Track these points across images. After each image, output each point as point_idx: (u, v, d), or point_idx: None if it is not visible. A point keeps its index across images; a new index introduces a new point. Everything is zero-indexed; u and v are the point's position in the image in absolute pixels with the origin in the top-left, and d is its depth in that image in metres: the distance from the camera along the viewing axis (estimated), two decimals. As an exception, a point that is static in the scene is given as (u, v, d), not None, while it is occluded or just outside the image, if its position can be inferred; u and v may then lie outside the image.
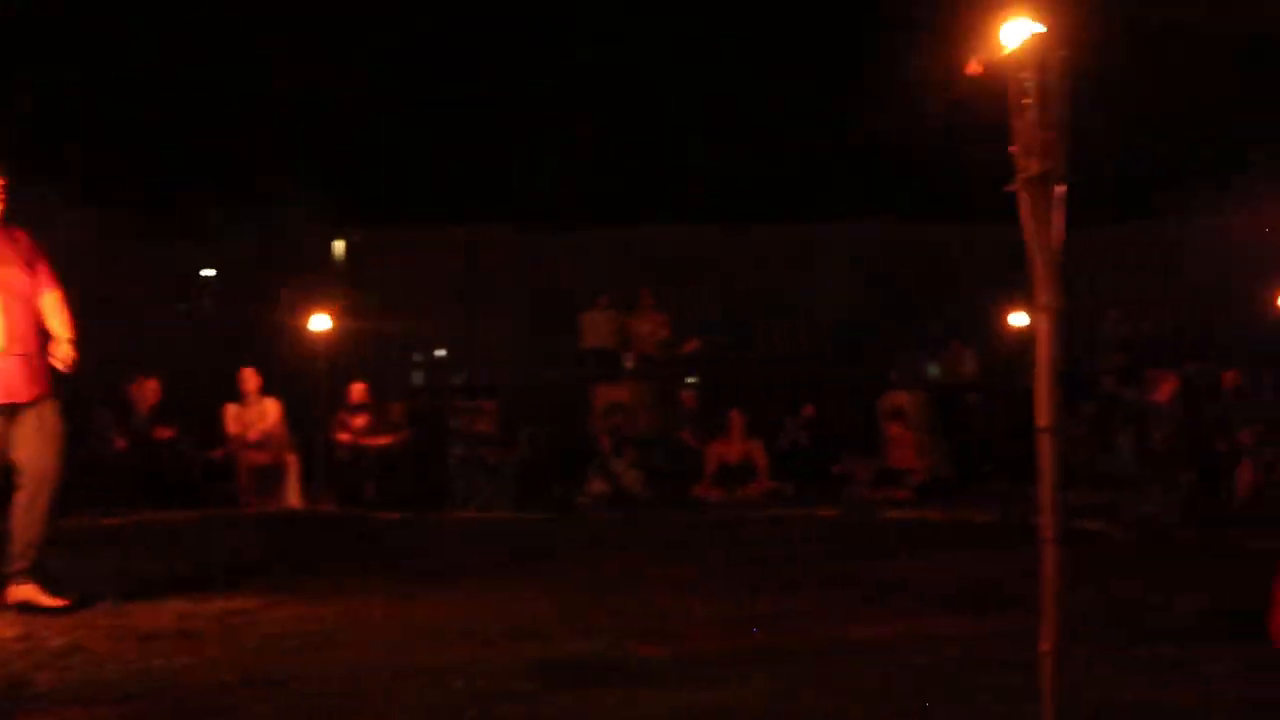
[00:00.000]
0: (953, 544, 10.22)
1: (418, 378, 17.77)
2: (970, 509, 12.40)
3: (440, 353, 16.55)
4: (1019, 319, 15.05)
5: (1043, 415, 3.74)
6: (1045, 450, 3.71)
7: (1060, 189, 3.72)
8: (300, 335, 14.84)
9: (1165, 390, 13.45)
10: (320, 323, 14.55)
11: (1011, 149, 3.73)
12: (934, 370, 15.76)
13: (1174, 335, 15.80)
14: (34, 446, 6.99)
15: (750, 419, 14.46)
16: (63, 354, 7.08)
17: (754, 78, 17.01)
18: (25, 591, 6.97)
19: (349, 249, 16.45)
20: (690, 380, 15.71)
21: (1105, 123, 16.14)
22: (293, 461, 14.00)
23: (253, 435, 13.97)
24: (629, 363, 16.04)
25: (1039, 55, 3.65)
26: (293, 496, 13.93)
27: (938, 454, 14.56)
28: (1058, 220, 3.74)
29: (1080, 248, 16.99)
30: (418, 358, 17.06)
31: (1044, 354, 3.74)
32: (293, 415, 14.31)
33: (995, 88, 3.78)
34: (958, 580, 8.11)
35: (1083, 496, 12.87)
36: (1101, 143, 16.08)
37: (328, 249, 16.65)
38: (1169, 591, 7.55)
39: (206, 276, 32.93)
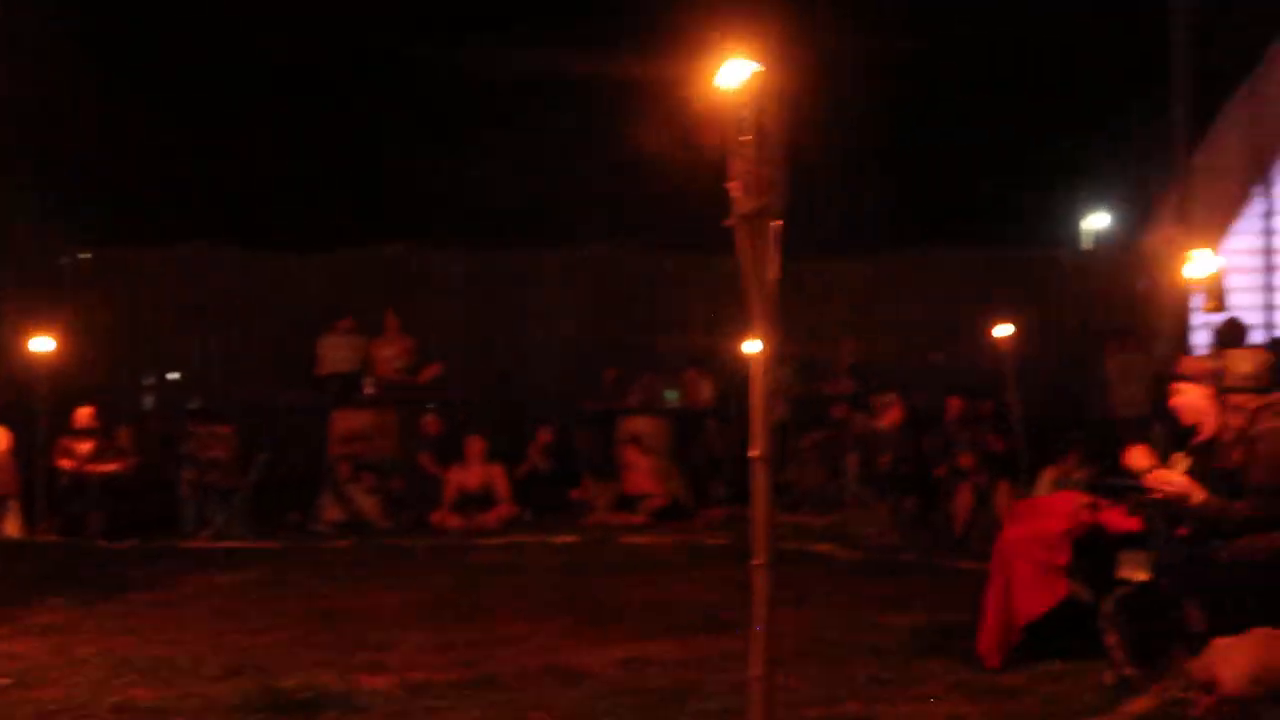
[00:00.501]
0: (683, 568, 10.42)
1: (149, 401, 17.25)
2: (703, 533, 12.64)
3: (173, 376, 16.14)
4: (752, 346, 15.46)
5: (757, 445, 3.81)
6: (759, 479, 3.79)
7: (776, 225, 3.79)
8: (20, 357, 14.15)
9: (890, 416, 13.95)
10: (42, 344, 13.92)
11: (729, 185, 3.79)
12: (672, 396, 15.98)
13: (901, 363, 16.32)
14: None
15: (491, 445, 14.44)
16: None
17: (492, 98, 17.15)
18: None
19: (76, 268, 15.89)
20: (431, 406, 15.56)
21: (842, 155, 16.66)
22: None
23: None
24: (369, 388, 15.80)
25: (757, 94, 3.72)
26: (10, 526, 13.27)
27: (675, 479, 14.78)
28: (774, 255, 3.81)
29: (818, 277, 17.45)
30: (148, 380, 16.57)
31: (758, 387, 3.82)
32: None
33: (717, 123, 3.84)
34: (684, 604, 8.26)
35: (812, 520, 13.32)
36: (836, 177, 16.59)
37: (54, 267, 16.03)
38: (887, 612, 7.83)
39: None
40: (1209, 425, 6.25)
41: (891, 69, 16.98)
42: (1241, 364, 6.19)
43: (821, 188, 17.47)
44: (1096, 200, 23.07)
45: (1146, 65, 16.85)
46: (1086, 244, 23.47)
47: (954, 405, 13.79)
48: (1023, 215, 18.54)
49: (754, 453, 3.83)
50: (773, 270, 3.79)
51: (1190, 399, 6.38)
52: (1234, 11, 18.17)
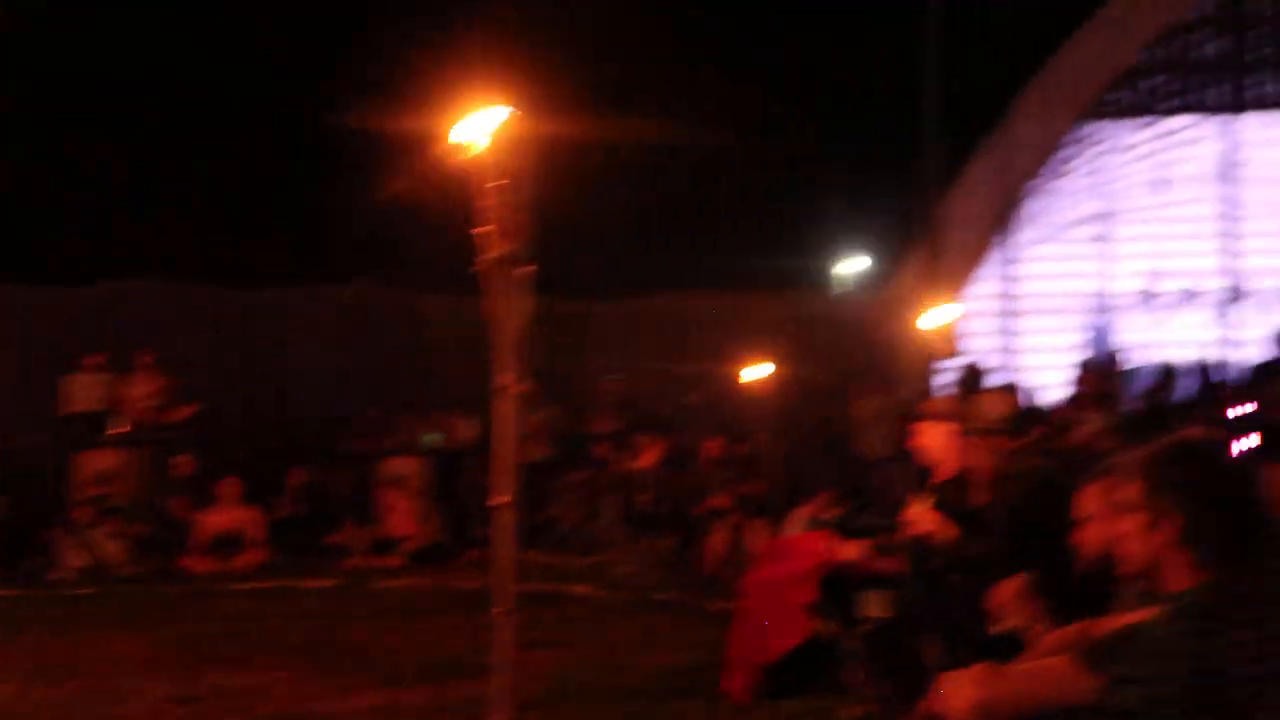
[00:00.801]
0: (441, 612, 10.27)
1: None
2: (463, 576, 12.50)
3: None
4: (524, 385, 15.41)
5: (501, 491, 3.80)
6: (502, 526, 3.77)
7: (524, 270, 3.80)
8: None
9: (650, 457, 14.09)
10: None
11: (478, 230, 3.78)
12: (433, 437, 15.82)
13: (660, 403, 16.47)
14: None
15: (246, 487, 14.04)
16: None
17: (235, 140, 16.78)
18: None
19: None
20: (184, 446, 15.04)
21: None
22: None
23: None
24: (116, 427, 15.20)
25: (509, 141, 3.72)
26: None
27: (435, 521, 14.62)
28: (521, 301, 3.81)
29: (581, 318, 17.51)
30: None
31: (504, 432, 3.81)
32: None
33: (469, 168, 3.82)
34: (438, 649, 8.17)
35: (571, 560, 13.34)
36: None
37: None
38: (642, 652, 7.88)
39: None
40: (948, 465, 6.42)
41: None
42: (994, 407, 6.44)
43: (589, 230, 17.55)
44: (852, 245, 23.76)
45: (899, 115, 17.36)
46: (841, 288, 24.15)
47: (711, 446, 13.98)
48: (780, 258, 18.87)
49: (499, 499, 3.81)
50: (521, 314, 3.79)
51: (931, 440, 6.55)
52: (982, 65, 19.19)
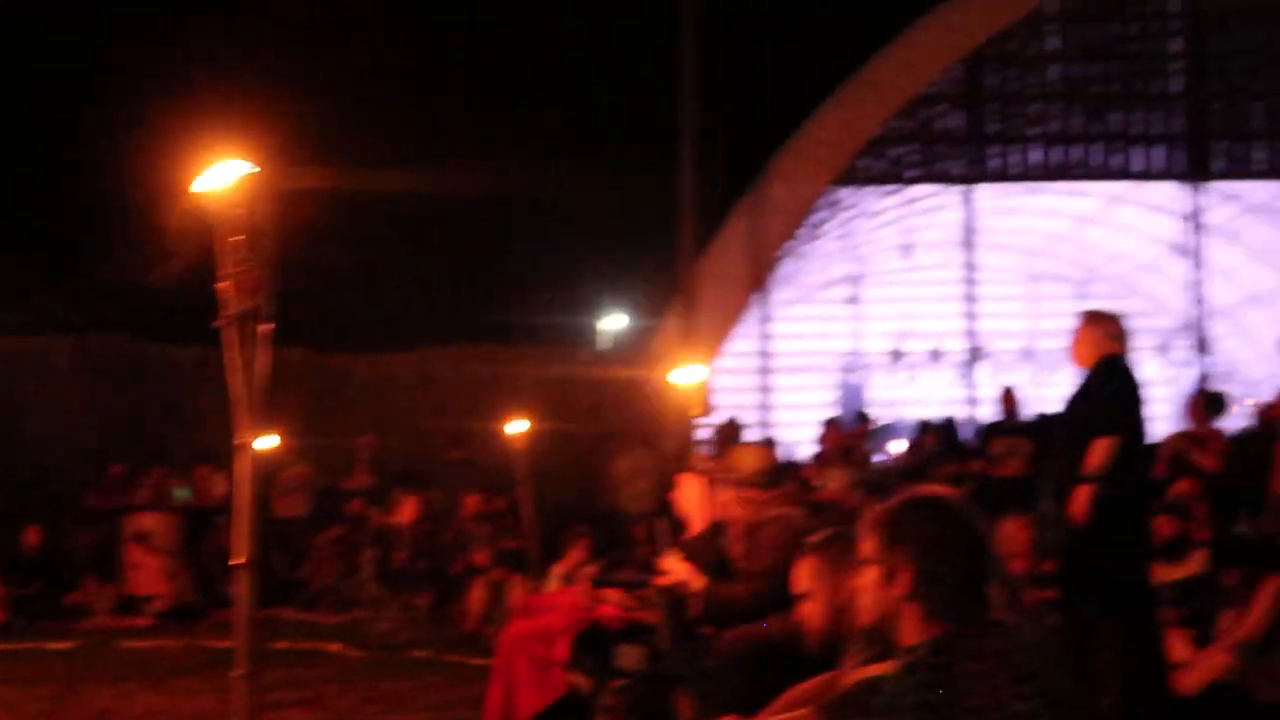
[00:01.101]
0: (188, 671, 9.95)
1: None
2: (211, 635, 12.12)
3: None
4: (267, 442, 15.01)
5: (240, 551, 3.71)
6: (243, 587, 3.69)
7: (265, 327, 3.74)
8: None
9: (407, 512, 13.93)
10: None
11: (218, 286, 3.71)
12: (182, 493, 15.32)
13: (418, 458, 16.28)
14: None
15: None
16: None
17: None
18: None
19: None
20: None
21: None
22: None
23: None
24: None
25: (249, 195, 3.67)
26: None
27: (184, 579, 14.16)
28: (262, 357, 3.74)
29: (339, 371, 17.27)
30: None
31: (244, 492, 3.73)
32: None
33: (210, 223, 3.75)
34: (184, 712, 7.91)
35: (326, 618, 13.10)
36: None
37: None
38: (395, 711, 7.77)
39: None
40: (702, 519, 6.55)
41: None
42: (750, 461, 6.56)
43: (348, 284, 17.34)
44: (613, 302, 24.06)
45: (659, 174, 17.63)
46: (603, 344, 24.41)
47: (470, 501, 13.89)
48: (542, 313, 18.98)
49: (239, 559, 3.73)
50: (262, 371, 3.73)
51: (687, 494, 6.72)
52: (738, 128, 19.57)
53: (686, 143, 16.74)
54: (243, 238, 3.61)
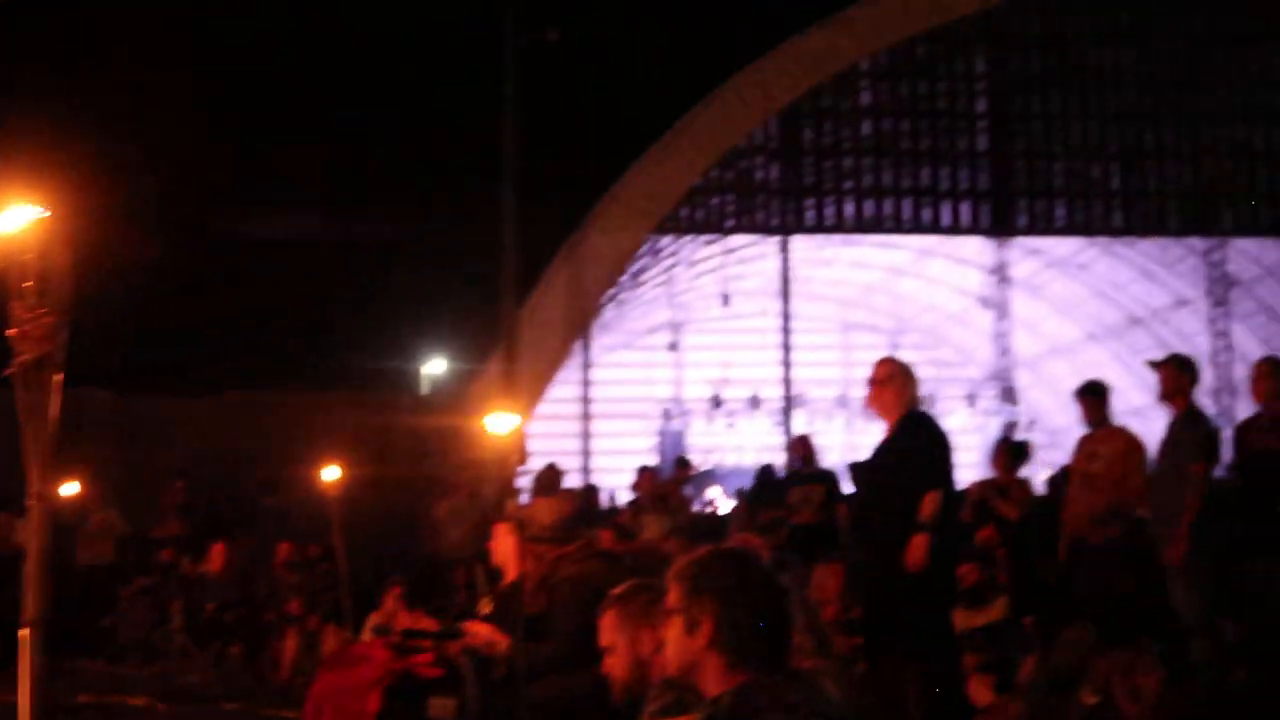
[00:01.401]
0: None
1: None
2: (10, 688, 11.50)
3: None
4: (68, 489, 14.49)
5: (31, 606, 3.57)
6: (31, 642, 3.54)
7: (57, 376, 3.61)
8: None
9: (217, 560, 13.55)
10: None
11: (9, 333, 3.58)
12: (-21, 540, 14.63)
13: (231, 505, 15.85)
14: None
15: None
16: None
17: None
18: None
19: None
20: None
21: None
22: None
23: None
24: None
25: (41, 240, 3.55)
26: None
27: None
28: (55, 406, 3.61)
29: (147, 415, 16.80)
30: None
31: (35, 546, 3.59)
32: None
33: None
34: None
35: (134, 671, 12.66)
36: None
37: None
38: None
39: None
40: (513, 570, 6.50)
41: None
42: (543, 514, 6.53)
43: (158, 326, 16.91)
44: (435, 346, 23.88)
45: (482, 221, 17.56)
46: (424, 389, 24.20)
47: (283, 549, 13.56)
48: (360, 357, 18.74)
49: (28, 614, 3.58)
50: (53, 420, 3.60)
51: (499, 544, 6.67)
52: (560, 173, 19.54)
53: (508, 190, 16.67)
54: (30, 286, 3.48)
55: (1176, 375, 8.33)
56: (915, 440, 7.01)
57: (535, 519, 6.51)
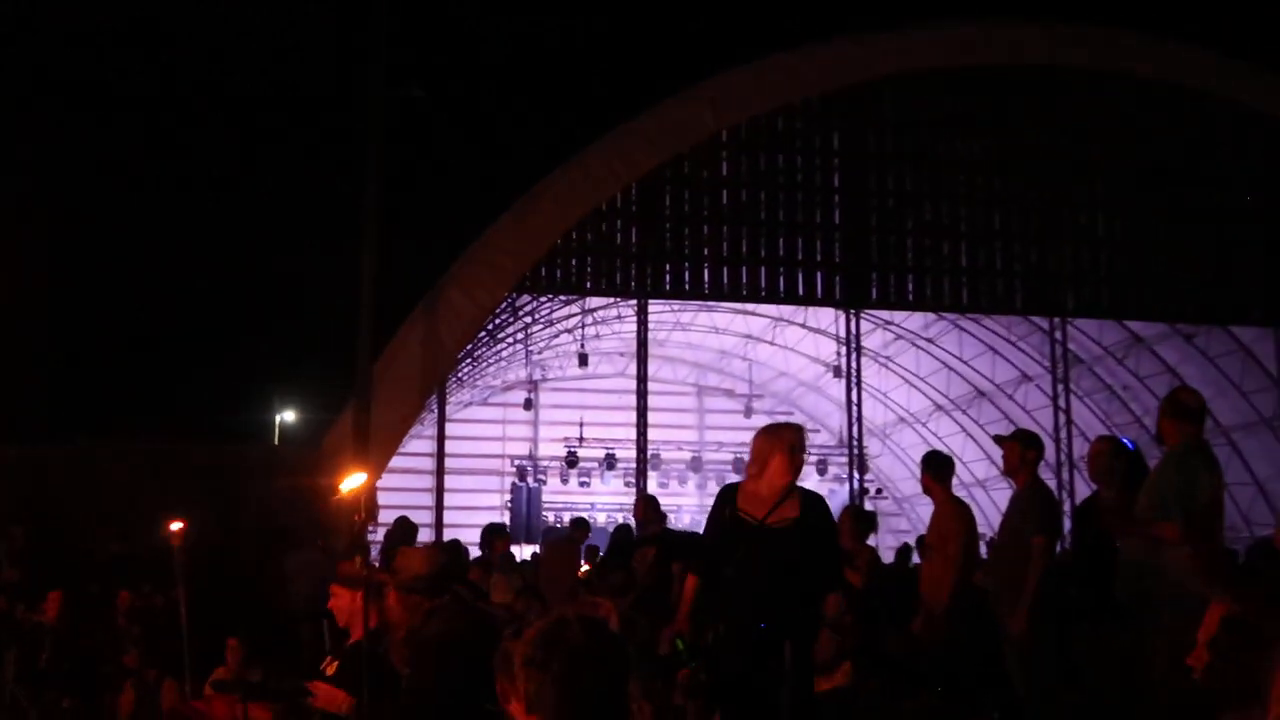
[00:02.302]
0: None
1: None
2: None
3: None
4: None
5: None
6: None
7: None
8: None
9: (53, 608, 13.17)
10: None
11: None
12: None
13: (71, 553, 15.42)
14: None
15: None
16: None
17: None
18: None
19: None
20: None
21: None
22: None
23: None
24: None
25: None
26: None
27: None
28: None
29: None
30: None
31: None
32: None
33: None
34: None
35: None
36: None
37: None
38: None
39: None
40: (358, 628, 6.41)
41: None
42: (414, 565, 6.44)
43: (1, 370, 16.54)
44: (289, 397, 23.59)
45: (340, 282, 17.53)
46: (276, 440, 23.88)
47: (124, 599, 13.26)
48: (213, 407, 18.50)
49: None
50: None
51: (343, 602, 6.57)
52: (419, 232, 19.70)
53: (367, 244, 16.66)
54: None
55: (1021, 450, 8.52)
56: (823, 520, 6.98)
57: (408, 568, 6.43)
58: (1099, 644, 7.76)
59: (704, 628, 7.13)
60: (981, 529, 10.12)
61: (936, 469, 9.43)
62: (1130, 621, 7.13)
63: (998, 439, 8.76)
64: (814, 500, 6.98)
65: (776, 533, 6.77)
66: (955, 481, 9.87)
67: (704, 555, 7.08)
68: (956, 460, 10.16)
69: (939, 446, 26.84)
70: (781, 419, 29.89)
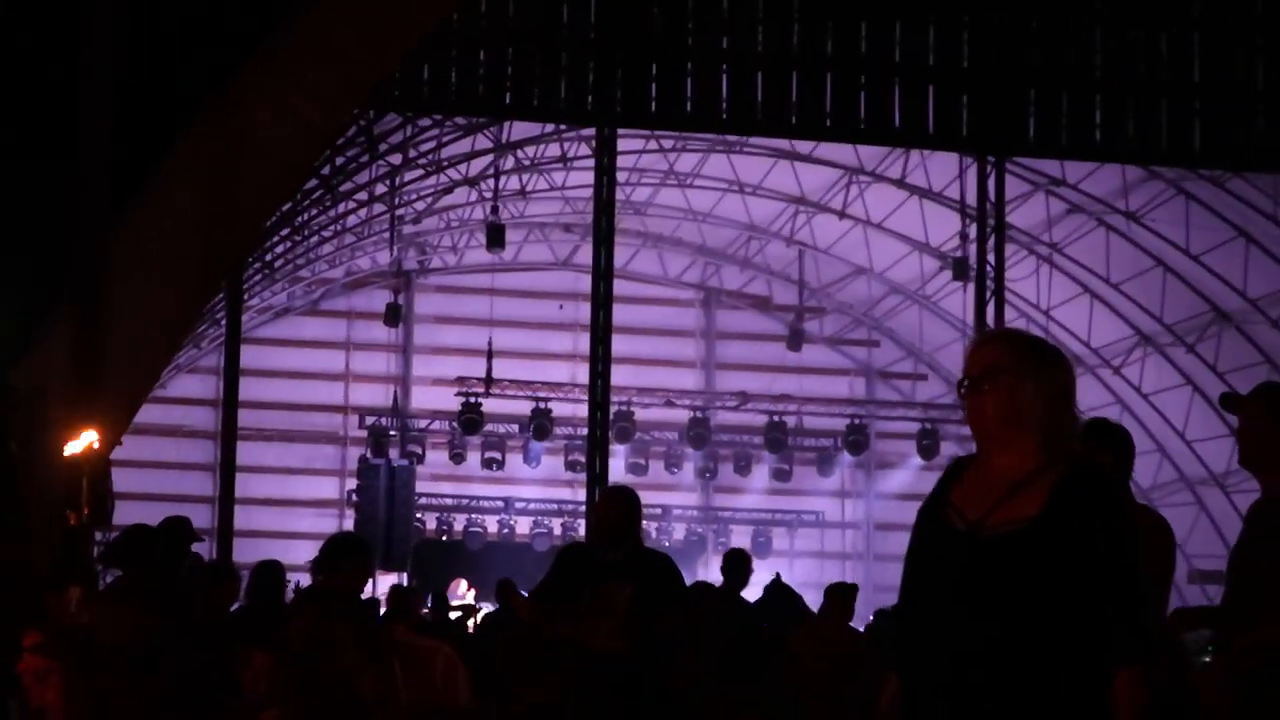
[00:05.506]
0: None
1: None
2: None
3: None
4: None
5: None
6: None
7: None
8: None
9: None
10: None
11: None
12: None
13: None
14: None
15: None
16: None
17: None
18: None
19: None
20: None
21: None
22: None
23: None
24: None
25: None
26: None
27: None
28: None
29: None
30: None
31: None
32: None
33: None
34: None
35: None
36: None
37: None
38: None
39: None
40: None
41: None
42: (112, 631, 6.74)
43: None
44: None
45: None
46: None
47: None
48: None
49: None
50: None
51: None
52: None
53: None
54: None
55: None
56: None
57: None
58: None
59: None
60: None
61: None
62: None
63: (1226, 401, 5.67)
64: (1083, 481, 3.85)
65: (993, 547, 4.01)
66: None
67: (905, 616, 4.12)
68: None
69: (1145, 414, 20.90)
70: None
